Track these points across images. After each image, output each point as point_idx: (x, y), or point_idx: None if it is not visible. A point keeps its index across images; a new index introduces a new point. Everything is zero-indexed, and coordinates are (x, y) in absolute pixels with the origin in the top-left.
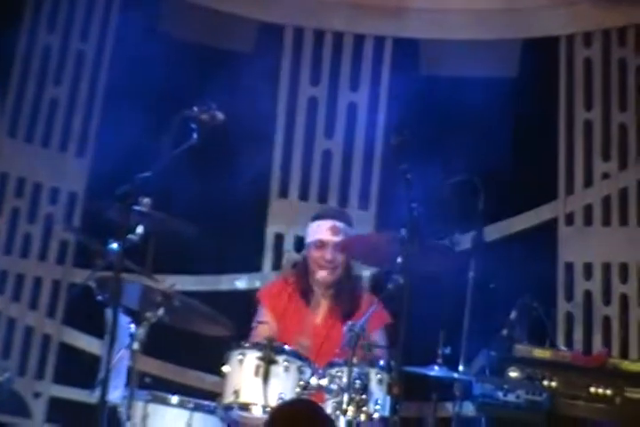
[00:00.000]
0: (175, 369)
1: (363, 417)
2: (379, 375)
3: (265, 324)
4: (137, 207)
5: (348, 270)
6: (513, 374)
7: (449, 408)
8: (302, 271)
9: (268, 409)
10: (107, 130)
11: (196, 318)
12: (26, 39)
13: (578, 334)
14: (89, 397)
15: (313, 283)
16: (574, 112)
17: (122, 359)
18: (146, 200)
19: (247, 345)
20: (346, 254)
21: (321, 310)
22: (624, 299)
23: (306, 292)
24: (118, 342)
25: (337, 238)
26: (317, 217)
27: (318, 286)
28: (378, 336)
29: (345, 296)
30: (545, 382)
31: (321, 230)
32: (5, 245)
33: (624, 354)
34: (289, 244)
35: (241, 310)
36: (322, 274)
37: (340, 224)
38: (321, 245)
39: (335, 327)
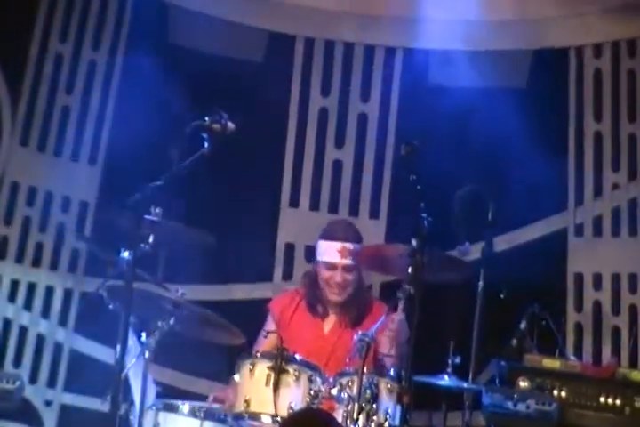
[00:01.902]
0: (186, 378)
1: (373, 426)
2: (389, 385)
3: (272, 333)
4: (148, 216)
5: (359, 285)
6: (523, 383)
7: (459, 418)
8: (311, 282)
9: (279, 418)
10: (118, 139)
11: (206, 326)
12: (38, 48)
13: (587, 345)
14: (100, 405)
15: (321, 295)
16: (584, 123)
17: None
18: (157, 209)
19: (258, 355)
20: (356, 273)
21: (329, 320)
22: (633, 309)
23: (313, 302)
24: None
25: (346, 261)
26: (326, 237)
27: (327, 300)
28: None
29: (353, 306)
30: (555, 392)
31: (330, 252)
32: (17, 253)
33: (633, 364)
34: (299, 253)
35: (252, 319)
36: (331, 295)
37: (349, 245)
38: (331, 267)
39: (343, 336)
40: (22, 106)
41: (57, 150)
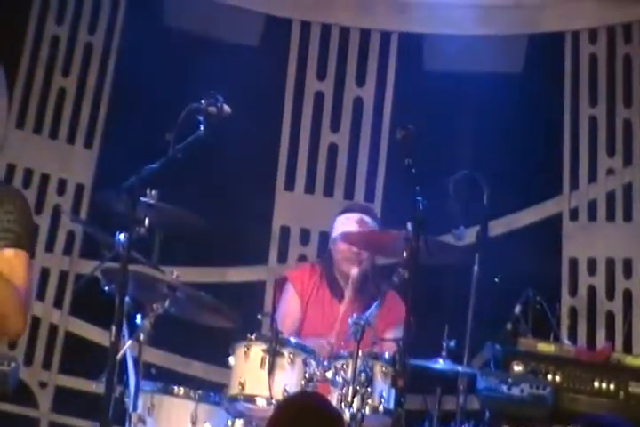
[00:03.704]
0: (181, 360)
1: (367, 410)
2: (383, 368)
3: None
4: (144, 199)
5: (374, 266)
6: (517, 368)
7: (453, 401)
8: (328, 265)
9: (273, 401)
10: (114, 122)
11: (201, 309)
12: (34, 31)
13: (582, 329)
14: (95, 387)
15: (338, 276)
16: (579, 108)
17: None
18: (153, 192)
19: (253, 337)
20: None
21: (344, 302)
22: (628, 294)
23: (332, 284)
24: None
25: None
26: (345, 211)
27: (343, 279)
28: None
29: (368, 289)
30: (549, 377)
31: (349, 223)
32: None
33: (627, 349)
34: (295, 236)
35: (247, 302)
36: (349, 267)
37: (367, 218)
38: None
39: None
40: (18, 88)
41: (53, 133)
